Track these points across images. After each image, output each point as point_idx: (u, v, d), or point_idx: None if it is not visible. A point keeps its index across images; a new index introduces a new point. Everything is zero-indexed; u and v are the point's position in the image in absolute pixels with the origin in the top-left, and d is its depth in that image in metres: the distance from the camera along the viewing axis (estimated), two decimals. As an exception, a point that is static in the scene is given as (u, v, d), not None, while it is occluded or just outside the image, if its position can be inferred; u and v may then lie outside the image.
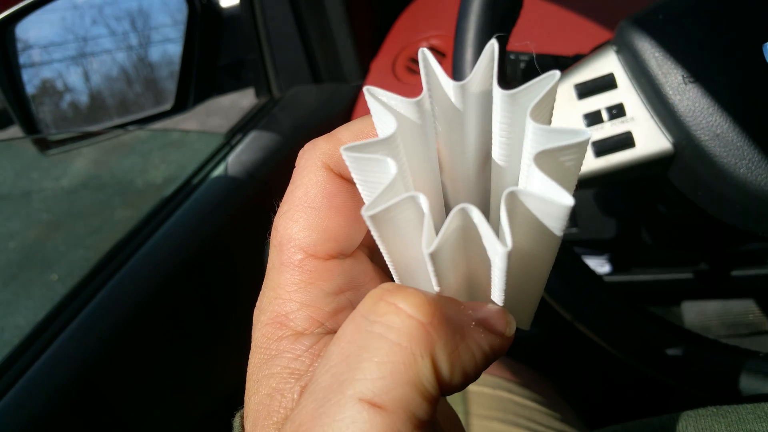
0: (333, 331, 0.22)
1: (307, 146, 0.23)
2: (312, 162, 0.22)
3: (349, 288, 0.23)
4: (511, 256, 0.16)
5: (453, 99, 0.20)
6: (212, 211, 0.65)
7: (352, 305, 0.23)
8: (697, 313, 0.88)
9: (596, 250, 0.76)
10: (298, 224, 0.22)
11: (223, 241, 0.64)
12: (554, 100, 0.18)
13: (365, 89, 0.20)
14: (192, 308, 0.64)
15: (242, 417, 0.22)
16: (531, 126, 0.17)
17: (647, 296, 0.86)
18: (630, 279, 0.79)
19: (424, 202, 0.17)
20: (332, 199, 0.22)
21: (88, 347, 0.56)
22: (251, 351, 0.22)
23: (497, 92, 0.18)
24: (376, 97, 0.19)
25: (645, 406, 0.85)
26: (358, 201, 0.22)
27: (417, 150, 0.21)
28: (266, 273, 0.23)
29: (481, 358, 0.18)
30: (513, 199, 0.16)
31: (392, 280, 0.23)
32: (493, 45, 0.19)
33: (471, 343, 0.18)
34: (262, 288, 0.23)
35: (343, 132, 0.23)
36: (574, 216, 0.68)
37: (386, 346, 0.17)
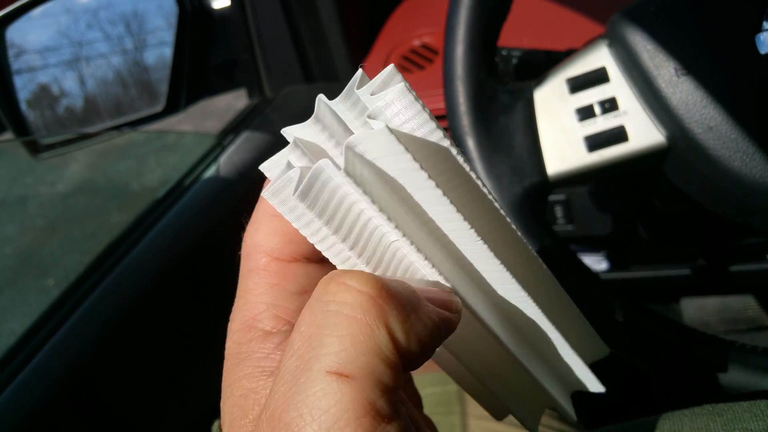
0: None
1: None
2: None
3: (313, 289, 0.23)
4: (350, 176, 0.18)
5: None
6: (204, 211, 0.64)
7: None
8: (696, 309, 0.87)
9: (593, 247, 0.75)
10: (262, 232, 0.24)
11: (215, 242, 0.64)
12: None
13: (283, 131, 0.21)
14: (184, 307, 0.63)
15: (220, 424, 0.22)
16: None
17: (646, 293, 0.85)
18: (628, 276, 0.79)
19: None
20: None
21: (82, 346, 0.56)
22: (225, 359, 0.23)
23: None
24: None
25: (642, 404, 0.84)
26: None
27: None
28: (238, 285, 0.24)
29: (433, 328, 0.19)
30: (348, 151, 0.18)
31: None
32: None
33: (421, 315, 0.19)
34: (235, 300, 0.24)
35: None
36: (570, 213, 0.68)
37: (343, 321, 0.18)
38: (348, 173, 0.18)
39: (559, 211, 0.68)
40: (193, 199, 0.65)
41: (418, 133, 0.19)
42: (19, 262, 1.89)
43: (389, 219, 0.19)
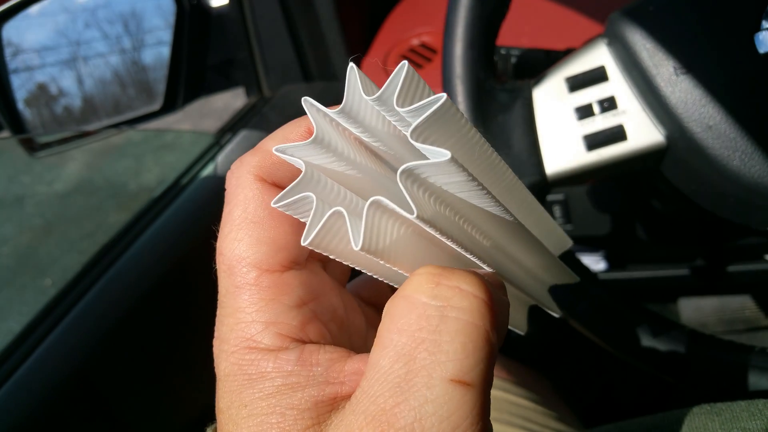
0: (309, 341, 0.21)
1: (234, 165, 0.23)
2: (244, 178, 0.22)
3: (311, 299, 0.22)
4: (423, 221, 0.18)
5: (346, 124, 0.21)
6: (201, 210, 0.64)
7: (316, 316, 0.22)
8: (694, 309, 0.87)
9: (591, 247, 0.75)
10: (244, 242, 0.21)
11: (212, 241, 0.63)
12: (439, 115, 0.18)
13: (303, 101, 0.20)
14: (181, 307, 0.63)
15: (215, 427, 0.21)
16: (401, 113, 0.18)
17: (644, 293, 0.85)
18: (626, 276, 0.79)
19: (342, 207, 0.19)
20: (273, 210, 0.21)
21: (79, 345, 0.55)
22: (220, 382, 0.21)
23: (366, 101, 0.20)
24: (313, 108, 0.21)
25: (640, 404, 0.84)
26: None
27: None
28: (219, 301, 0.22)
29: (506, 323, 0.20)
30: (406, 175, 0.17)
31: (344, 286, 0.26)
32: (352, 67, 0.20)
33: (504, 309, 0.19)
34: (218, 317, 0.22)
35: (268, 142, 0.23)
36: (568, 213, 0.68)
37: (463, 328, 0.17)
38: (417, 208, 0.18)
39: (557, 211, 0.68)
40: (191, 197, 0.65)
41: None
42: (16, 262, 1.89)
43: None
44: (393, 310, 0.18)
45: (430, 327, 0.17)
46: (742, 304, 0.87)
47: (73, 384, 0.54)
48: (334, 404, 0.20)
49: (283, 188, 0.21)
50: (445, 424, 0.16)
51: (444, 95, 0.17)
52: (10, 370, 0.52)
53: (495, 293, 0.19)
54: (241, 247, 0.21)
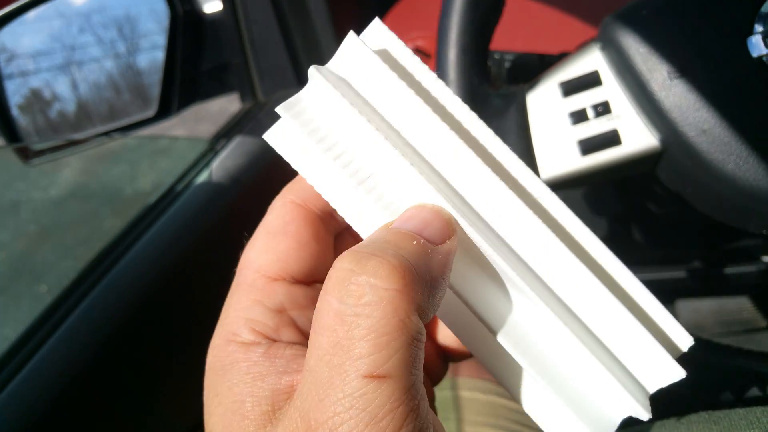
0: (281, 341, 0.23)
1: (282, 191, 0.26)
2: (279, 199, 0.26)
3: (294, 308, 0.25)
4: None
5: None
6: (196, 217, 0.64)
7: (294, 324, 0.24)
8: (691, 311, 0.87)
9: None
10: (256, 249, 0.25)
11: (207, 248, 0.63)
12: None
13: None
14: (176, 314, 0.63)
15: None
16: None
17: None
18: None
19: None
20: (287, 226, 0.25)
21: (74, 353, 0.55)
22: (206, 373, 0.24)
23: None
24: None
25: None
26: (313, 229, 0.25)
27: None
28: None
29: (445, 272, 0.20)
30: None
31: None
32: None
33: (435, 272, 0.20)
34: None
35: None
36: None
37: (375, 324, 0.18)
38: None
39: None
40: (186, 204, 0.65)
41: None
42: (11, 268, 1.88)
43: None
44: (318, 308, 0.19)
45: (344, 328, 0.18)
46: (740, 305, 0.87)
47: (69, 392, 0.53)
48: (291, 393, 0.21)
49: (309, 209, 0.25)
50: (363, 415, 0.17)
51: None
52: (7, 378, 0.52)
53: (417, 265, 0.19)
54: (253, 253, 0.25)
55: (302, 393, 0.19)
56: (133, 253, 0.61)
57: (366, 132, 0.21)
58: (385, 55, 0.23)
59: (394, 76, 0.22)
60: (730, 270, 0.75)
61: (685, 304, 0.87)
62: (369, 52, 0.22)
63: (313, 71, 0.22)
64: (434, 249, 0.20)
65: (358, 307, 0.18)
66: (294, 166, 0.22)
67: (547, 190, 0.24)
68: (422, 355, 0.19)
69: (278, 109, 0.22)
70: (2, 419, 0.50)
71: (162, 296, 0.61)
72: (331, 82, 0.22)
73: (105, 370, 0.57)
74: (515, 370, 0.23)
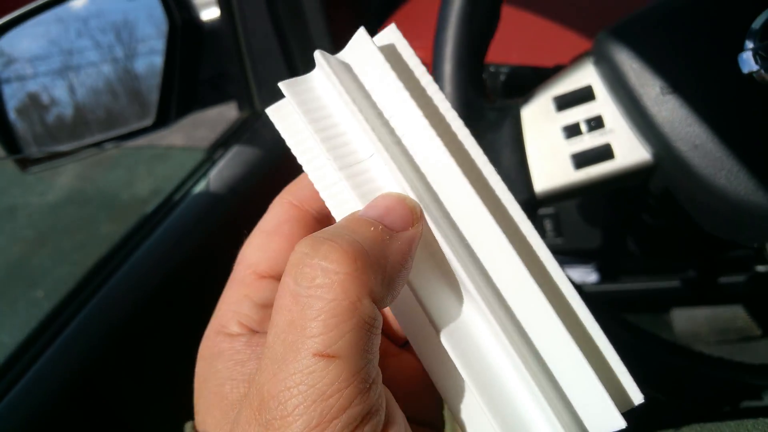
0: (263, 332, 0.25)
1: (282, 191, 0.28)
2: (278, 200, 0.27)
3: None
4: None
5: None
6: (194, 227, 0.64)
7: None
8: (686, 319, 0.88)
9: (582, 260, 0.76)
10: (251, 246, 0.26)
11: (205, 257, 0.63)
12: None
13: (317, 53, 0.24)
14: (174, 324, 0.63)
15: (193, 425, 0.25)
16: None
17: (636, 305, 0.85)
18: (618, 288, 0.79)
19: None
20: (281, 226, 0.26)
21: (74, 361, 0.55)
22: (197, 363, 0.25)
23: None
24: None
25: (628, 422, 0.84)
26: (307, 229, 0.26)
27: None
28: None
29: (405, 259, 0.21)
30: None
31: None
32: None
33: (393, 258, 0.20)
34: None
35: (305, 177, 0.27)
36: (559, 226, 0.68)
37: (325, 306, 0.19)
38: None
39: (548, 225, 0.68)
40: (184, 214, 0.65)
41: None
42: (8, 273, 1.87)
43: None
44: (279, 288, 0.20)
45: (298, 308, 0.19)
46: (735, 314, 0.87)
47: (69, 397, 0.53)
48: None
49: (304, 210, 0.27)
50: (311, 391, 0.18)
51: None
52: (8, 384, 0.52)
53: (371, 250, 0.19)
54: (248, 250, 0.26)
55: (261, 368, 0.20)
56: (131, 262, 0.61)
57: (355, 121, 0.23)
58: (391, 56, 0.25)
59: (393, 75, 0.23)
60: (723, 279, 0.75)
61: (680, 313, 0.88)
62: (374, 49, 0.24)
63: (318, 55, 0.24)
64: (393, 235, 0.20)
65: (311, 288, 0.19)
66: (287, 143, 0.24)
67: (524, 216, 0.24)
68: (377, 339, 0.19)
69: (280, 84, 0.23)
70: (3, 427, 0.50)
71: (160, 305, 0.61)
72: (332, 68, 0.23)
73: (105, 378, 0.57)
74: (456, 380, 0.23)
